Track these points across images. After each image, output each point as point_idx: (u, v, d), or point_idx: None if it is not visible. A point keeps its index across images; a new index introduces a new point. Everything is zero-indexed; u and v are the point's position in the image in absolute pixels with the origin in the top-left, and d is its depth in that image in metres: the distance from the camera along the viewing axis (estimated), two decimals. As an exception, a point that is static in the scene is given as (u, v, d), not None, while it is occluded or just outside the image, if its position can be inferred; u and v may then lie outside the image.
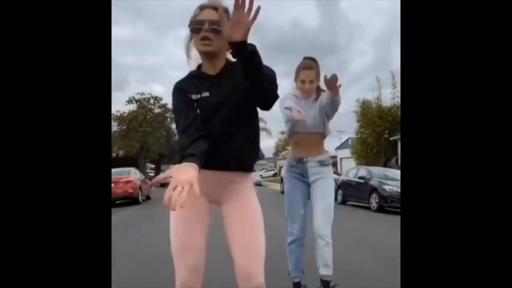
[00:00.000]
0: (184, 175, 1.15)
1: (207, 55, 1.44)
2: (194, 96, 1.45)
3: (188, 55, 1.53)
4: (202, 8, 1.43)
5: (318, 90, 2.54)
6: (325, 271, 2.39)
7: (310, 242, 2.47)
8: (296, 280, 2.56)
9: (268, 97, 1.37)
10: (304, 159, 2.50)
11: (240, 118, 1.43)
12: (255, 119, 1.51)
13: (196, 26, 1.40)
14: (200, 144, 1.32)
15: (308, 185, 2.54)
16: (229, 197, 1.49)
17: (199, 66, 1.53)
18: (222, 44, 1.42)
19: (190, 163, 1.22)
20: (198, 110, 1.43)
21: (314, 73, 2.43)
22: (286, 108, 2.23)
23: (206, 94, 1.44)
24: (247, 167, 1.51)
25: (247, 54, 1.21)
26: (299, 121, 2.23)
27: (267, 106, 1.43)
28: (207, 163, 1.35)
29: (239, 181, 1.49)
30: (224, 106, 1.41)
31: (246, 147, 1.46)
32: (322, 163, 2.52)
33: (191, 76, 1.51)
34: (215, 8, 1.39)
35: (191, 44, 1.48)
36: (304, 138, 2.49)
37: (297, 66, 2.49)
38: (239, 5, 1.12)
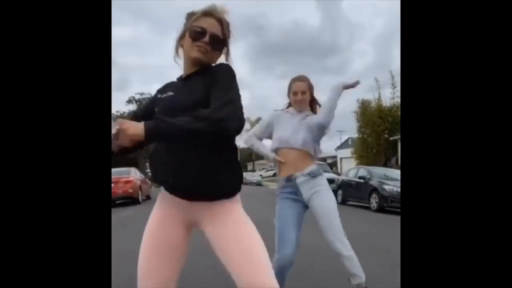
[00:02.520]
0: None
1: (193, 61, 1.35)
2: (159, 95, 1.42)
3: (177, 52, 1.42)
4: (206, 14, 1.35)
5: (314, 105, 2.54)
6: (355, 280, 2.39)
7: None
8: None
9: (222, 134, 1.18)
10: (293, 176, 2.39)
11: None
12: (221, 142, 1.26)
13: (196, 34, 1.32)
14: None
15: (304, 205, 2.41)
16: (207, 219, 1.31)
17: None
18: (213, 58, 1.38)
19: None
20: (157, 108, 1.36)
21: (305, 85, 2.45)
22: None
23: (170, 93, 1.37)
24: (217, 196, 1.28)
25: (157, 138, 1.17)
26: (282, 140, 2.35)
27: (232, 137, 1.29)
28: (166, 187, 1.32)
29: (213, 207, 1.29)
30: (180, 108, 1.23)
31: (208, 172, 1.25)
32: (313, 175, 2.38)
33: (177, 78, 1.48)
34: (218, 20, 1.34)
35: (181, 43, 1.40)
36: (289, 154, 2.41)
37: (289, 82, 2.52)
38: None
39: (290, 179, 2.40)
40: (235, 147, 1.34)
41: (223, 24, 1.35)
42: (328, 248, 2.34)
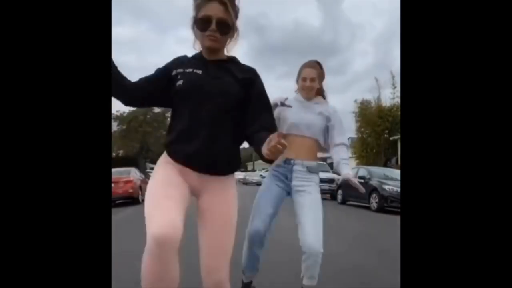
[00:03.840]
0: None
1: (208, 49, 1.42)
2: (178, 70, 1.41)
3: (194, 45, 1.49)
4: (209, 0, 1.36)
5: (320, 94, 2.44)
6: (310, 282, 2.19)
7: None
8: (248, 280, 2.40)
9: None
10: (292, 160, 2.29)
11: (227, 116, 1.38)
12: (239, 124, 1.43)
13: (202, 23, 1.35)
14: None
15: (287, 192, 2.32)
16: (207, 192, 1.43)
17: (199, 53, 1.49)
18: (226, 41, 1.41)
19: None
20: (181, 82, 1.37)
21: (315, 72, 2.33)
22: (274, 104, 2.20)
23: (198, 71, 1.39)
24: (227, 172, 1.45)
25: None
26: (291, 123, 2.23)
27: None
28: (187, 161, 1.36)
29: (220, 180, 1.43)
30: (213, 90, 1.35)
31: (229, 151, 1.42)
32: (310, 170, 2.29)
33: (192, 56, 1.48)
34: (222, 2, 1.34)
35: (194, 31, 1.44)
36: (296, 140, 2.29)
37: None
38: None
39: (288, 162, 2.29)
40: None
41: (227, 5, 1.36)
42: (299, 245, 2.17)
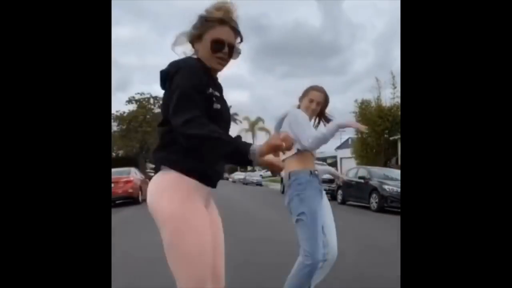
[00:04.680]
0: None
1: (212, 70, 1.40)
2: (210, 90, 1.33)
3: (192, 46, 1.43)
4: (222, 22, 1.37)
5: (323, 117, 2.56)
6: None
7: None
8: None
9: None
10: (316, 172, 2.44)
11: None
12: None
13: (216, 46, 1.36)
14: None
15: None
16: (210, 202, 1.49)
17: (202, 61, 1.40)
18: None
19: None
20: (218, 105, 1.33)
21: (323, 97, 2.45)
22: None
23: (217, 93, 1.37)
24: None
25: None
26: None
27: None
28: (215, 179, 1.40)
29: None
30: (228, 119, 1.44)
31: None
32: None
33: (200, 65, 1.36)
34: (233, 28, 1.38)
35: (195, 44, 1.41)
36: (312, 157, 2.47)
37: (306, 88, 2.51)
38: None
39: (315, 175, 2.38)
40: None
41: (236, 31, 1.41)
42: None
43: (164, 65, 1.50)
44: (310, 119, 2.47)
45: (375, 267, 3.70)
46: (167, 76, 1.30)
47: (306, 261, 2.19)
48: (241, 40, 1.45)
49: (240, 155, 1.18)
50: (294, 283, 2.26)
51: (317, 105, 2.43)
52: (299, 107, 2.50)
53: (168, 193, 1.27)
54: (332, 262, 2.29)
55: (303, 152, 2.36)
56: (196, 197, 1.32)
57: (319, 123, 2.56)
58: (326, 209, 2.42)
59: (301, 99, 2.51)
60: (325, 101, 2.50)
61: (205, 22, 1.38)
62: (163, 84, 1.33)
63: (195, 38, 1.41)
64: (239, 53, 1.46)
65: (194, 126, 1.17)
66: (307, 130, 2.29)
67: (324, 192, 2.44)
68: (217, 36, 1.36)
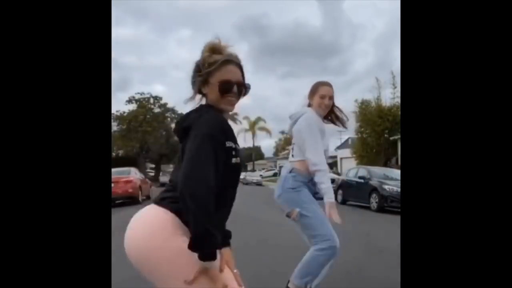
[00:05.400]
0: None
1: (221, 111, 1.34)
2: (230, 143, 1.27)
3: (199, 92, 1.38)
4: (227, 62, 1.33)
5: (334, 113, 2.49)
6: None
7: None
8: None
9: None
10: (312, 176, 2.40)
11: None
12: None
13: (224, 88, 1.32)
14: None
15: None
16: None
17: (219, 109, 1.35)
18: None
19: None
20: (238, 159, 1.29)
21: (332, 91, 2.41)
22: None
23: (237, 146, 1.32)
24: None
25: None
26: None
27: None
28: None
29: None
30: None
31: None
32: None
33: (222, 118, 1.31)
34: (238, 65, 1.36)
35: (202, 89, 1.36)
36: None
37: (312, 85, 2.45)
38: None
39: (313, 183, 2.35)
40: None
41: (242, 68, 1.38)
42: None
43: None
44: (323, 115, 2.42)
45: (375, 267, 3.70)
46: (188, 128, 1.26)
47: (325, 245, 2.19)
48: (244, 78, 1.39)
49: (201, 247, 1.09)
50: (308, 270, 2.24)
51: (329, 99, 2.38)
52: (309, 105, 2.45)
53: None
54: (332, 262, 2.28)
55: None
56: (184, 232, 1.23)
57: (331, 119, 2.49)
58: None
59: (310, 96, 2.43)
60: (333, 95, 2.44)
61: (208, 66, 1.33)
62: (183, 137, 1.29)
63: (201, 85, 1.36)
64: (249, 88, 1.42)
65: (198, 191, 1.09)
66: (316, 150, 2.28)
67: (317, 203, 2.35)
68: (223, 78, 1.32)
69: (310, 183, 2.34)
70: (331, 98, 2.39)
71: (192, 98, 1.39)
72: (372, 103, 20.61)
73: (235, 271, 1.24)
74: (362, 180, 10.72)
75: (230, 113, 1.41)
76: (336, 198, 11.69)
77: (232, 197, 1.34)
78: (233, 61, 1.36)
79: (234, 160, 1.27)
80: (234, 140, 1.31)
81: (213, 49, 1.34)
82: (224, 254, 1.23)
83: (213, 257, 1.10)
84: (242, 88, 1.38)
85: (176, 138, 1.51)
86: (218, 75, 1.33)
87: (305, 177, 2.35)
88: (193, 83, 1.38)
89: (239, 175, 1.34)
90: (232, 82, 1.33)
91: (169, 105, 32.59)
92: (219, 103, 1.34)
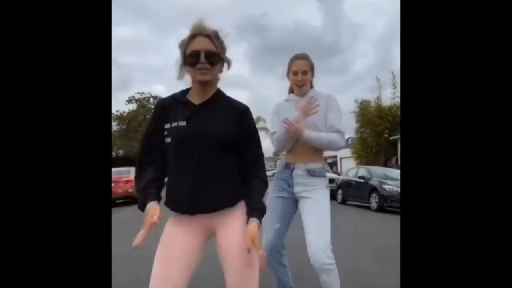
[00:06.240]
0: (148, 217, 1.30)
1: (200, 83, 1.39)
2: (166, 125, 1.39)
3: (180, 77, 1.44)
4: (194, 36, 1.36)
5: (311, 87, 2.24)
6: None
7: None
8: None
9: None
10: (291, 165, 2.15)
11: (216, 155, 1.35)
12: (232, 159, 1.41)
13: (191, 59, 1.35)
14: (158, 184, 1.41)
15: (294, 198, 2.16)
16: (221, 227, 1.41)
17: (185, 91, 1.46)
18: (217, 73, 1.41)
19: (152, 203, 1.33)
20: (169, 139, 1.36)
21: (307, 64, 2.13)
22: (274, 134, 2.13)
23: (182, 123, 1.36)
24: (226, 206, 1.40)
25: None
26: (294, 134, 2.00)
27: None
28: (187, 209, 1.37)
29: (228, 214, 1.40)
30: (198, 139, 1.34)
31: (222, 187, 1.38)
32: (312, 173, 2.10)
33: (175, 98, 1.44)
34: (207, 36, 1.36)
35: (184, 69, 1.41)
36: (296, 145, 2.14)
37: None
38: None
39: (288, 167, 2.16)
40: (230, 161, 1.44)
41: (213, 38, 1.37)
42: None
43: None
44: (304, 92, 2.17)
45: (375, 267, 3.70)
46: None
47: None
48: (223, 48, 1.41)
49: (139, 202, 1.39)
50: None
51: (302, 74, 2.11)
52: (290, 89, 2.26)
53: None
54: (319, 270, 1.93)
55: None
56: (171, 226, 1.44)
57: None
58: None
59: (287, 75, 2.21)
60: (311, 67, 2.16)
61: (182, 45, 1.39)
62: None
63: (183, 65, 1.42)
64: (227, 61, 1.43)
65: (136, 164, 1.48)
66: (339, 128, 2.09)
67: (312, 194, 2.10)
68: (191, 49, 1.36)
69: (281, 171, 2.22)
70: (305, 72, 2.11)
71: (180, 78, 1.45)
72: (372, 103, 20.62)
73: (260, 251, 1.27)
74: (362, 180, 10.71)
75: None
76: (336, 198, 11.78)
77: (178, 165, 1.38)
78: (201, 33, 1.37)
79: (166, 140, 1.39)
80: (171, 120, 1.39)
81: (191, 29, 1.38)
82: (250, 228, 1.32)
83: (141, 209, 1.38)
84: (216, 56, 1.37)
85: None
86: (187, 50, 1.37)
87: (279, 166, 2.26)
88: (180, 66, 1.44)
89: (173, 151, 1.37)
90: (198, 51, 1.35)
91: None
92: (195, 76, 1.38)
